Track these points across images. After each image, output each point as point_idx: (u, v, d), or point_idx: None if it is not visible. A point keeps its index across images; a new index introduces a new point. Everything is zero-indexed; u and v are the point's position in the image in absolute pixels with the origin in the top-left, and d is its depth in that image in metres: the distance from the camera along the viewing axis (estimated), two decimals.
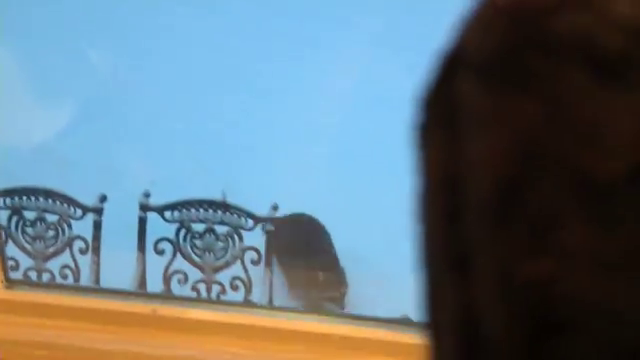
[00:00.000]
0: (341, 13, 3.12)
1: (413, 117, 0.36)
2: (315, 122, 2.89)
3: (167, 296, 2.08)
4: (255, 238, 2.24)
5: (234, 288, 2.18)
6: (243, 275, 2.19)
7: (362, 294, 2.35)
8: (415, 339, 1.62)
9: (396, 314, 1.91)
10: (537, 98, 0.31)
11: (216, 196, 2.29)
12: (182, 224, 2.22)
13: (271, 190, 2.48)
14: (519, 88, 0.32)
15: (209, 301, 2.11)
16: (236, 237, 2.21)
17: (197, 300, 2.09)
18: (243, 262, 2.20)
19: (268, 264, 2.19)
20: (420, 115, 0.36)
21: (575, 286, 0.30)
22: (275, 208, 2.27)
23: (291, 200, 2.38)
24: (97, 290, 2.04)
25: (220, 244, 2.21)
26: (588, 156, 0.30)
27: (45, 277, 2.19)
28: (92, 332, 1.59)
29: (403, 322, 1.87)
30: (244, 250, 2.21)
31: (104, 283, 2.16)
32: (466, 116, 0.33)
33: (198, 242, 2.21)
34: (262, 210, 2.24)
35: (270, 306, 2.10)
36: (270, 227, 2.23)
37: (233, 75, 3.06)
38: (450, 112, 0.34)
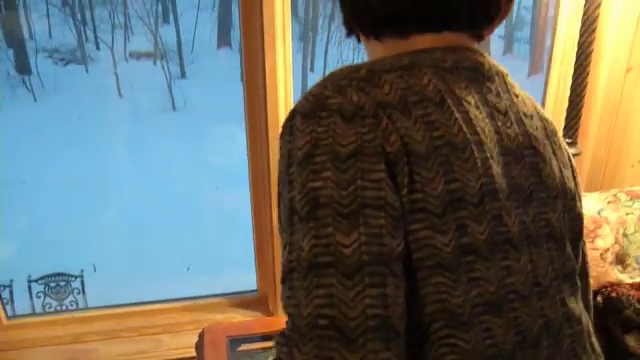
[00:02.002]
0: None
1: (281, 138, 0.80)
2: None
3: None
4: None
5: None
6: None
7: None
8: None
9: None
10: (321, 130, 0.74)
11: None
12: None
13: None
14: (315, 124, 0.75)
15: None
16: None
17: None
18: None
19: None
20: (285, 138, 0.78)
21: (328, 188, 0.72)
22: None
23: None
24: None
25: None
26: (340, 148, 0.73)
27: None
28: None
29: None
30: None
31: None
32: (298, 132, 0.76)
33: None
34: None
35: None
36: None
37: None
38: (290, 131, 0.78)
